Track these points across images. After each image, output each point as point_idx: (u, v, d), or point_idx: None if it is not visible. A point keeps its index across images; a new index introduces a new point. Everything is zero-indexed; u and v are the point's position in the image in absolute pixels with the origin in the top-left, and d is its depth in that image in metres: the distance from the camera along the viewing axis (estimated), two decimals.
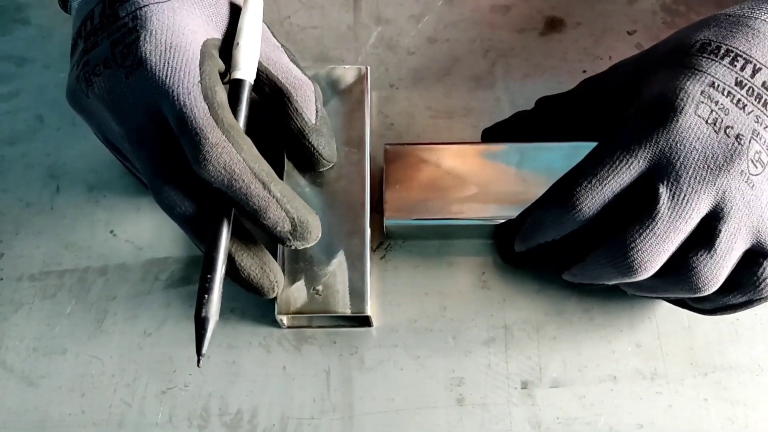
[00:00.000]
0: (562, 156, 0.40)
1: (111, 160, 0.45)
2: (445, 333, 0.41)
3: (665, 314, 0.41)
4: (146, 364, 0.41)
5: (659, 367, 0.40)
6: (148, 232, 0.44)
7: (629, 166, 0.33)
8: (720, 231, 0.32)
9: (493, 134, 0.43)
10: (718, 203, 0.32)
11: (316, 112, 0.39)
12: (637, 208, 0.33)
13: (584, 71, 0.48)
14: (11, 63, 0.49)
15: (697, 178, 0.32)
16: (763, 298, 0.34)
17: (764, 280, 0.33)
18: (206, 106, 0.34)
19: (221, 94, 0.35)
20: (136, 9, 0.35)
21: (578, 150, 0.37)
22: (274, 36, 0.40)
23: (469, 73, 0.48)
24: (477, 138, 0.45)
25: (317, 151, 0.40)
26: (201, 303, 0.33)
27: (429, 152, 0.41)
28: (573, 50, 0.49)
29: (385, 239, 0.43)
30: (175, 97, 0.34)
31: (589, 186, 0.33)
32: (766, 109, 0.33)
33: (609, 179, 0.33)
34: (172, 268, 0.43)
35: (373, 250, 0.43)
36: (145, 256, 0.43)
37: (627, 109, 0.36)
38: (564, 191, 0.34)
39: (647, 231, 0.32)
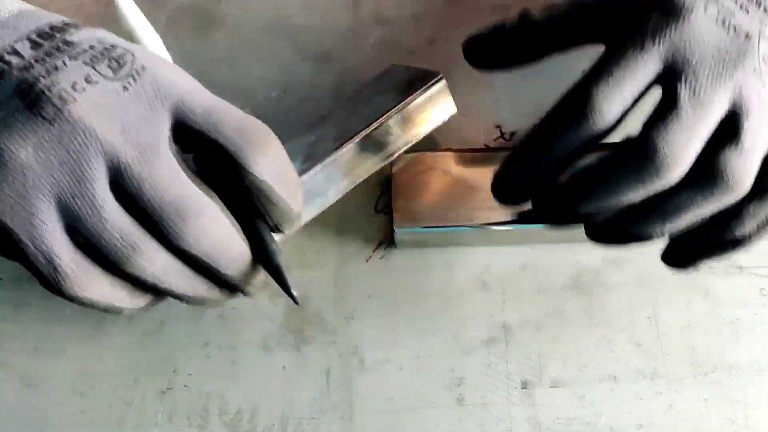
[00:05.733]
0: None
1: None
2: (445, 333, 0.41)
3: (665, 314, 0.41)
4: (146, 364, 0.41)
5: (659, 367, 0.40)
6: None
7: (645, 65, 0.32)
8: (743, 125, 0.32)
9: (476, 46, 0.41)
10: (736, 100, 0.32)
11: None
12: (658, 109, 0.32)
13: (583, 70, 0.48)
14: None
15: (714, 73, 0.32)
16: None
17: None
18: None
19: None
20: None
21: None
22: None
23: (469, 73, 0.48)
24: (476, 139, 0.45)
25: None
26: (270, 252, 0.32)
27: (436, 159, 0.41)
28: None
29: (384, 239, 0.43)
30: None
31: (606, 88, 0.32)
32: (766, 14, 0.34)
33: (626, 79, 0.32)
34: None
35: (372, 250, 0.43)
36: None
37: (629, 14, 0.35)
38: (580, 96, 0.33)
39: (673, 123, 0.31)
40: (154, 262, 0.30)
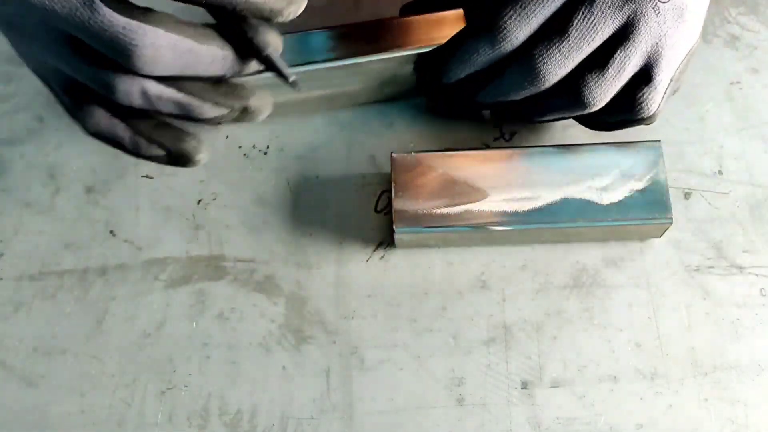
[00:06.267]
0: (569, 159, 0.41)
1: (111, 161, 0.45)
2: (445, 333, 0.41)
3: (665, 314, 0.41)
4: (146, 364, 0.41)
5: (659, 367, 0.40)
6: (147, 232, 0.44)
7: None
8: (616, 54, 0.36)
9: (408, 10, 0.44)
10: (622, 27, 0.36)
11: None
12: (548, 28, 0.36)
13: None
14: (11, 63, 0.49)
15: (609, 2, 0.36)
16: (637, 120, 0.39)
17: (641, 104, 0.38)
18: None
19: None
20: None
21: (587, 153, 0.40)
22: None
23: None
24: (477, 138, 0.45)
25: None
26: (258, 45, 0.33)
27: (436, 159, 0.41)
28: None
29: (384, 239, 0.43)
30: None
31: (516, 16, 0.36)
32: None
33: (535, 9, 0.36)
34: (171, 268, 0.43)
35: (372, 250, 0.43)
36: (145, 256, 0.43)
37: None
38: (491, 20, 0.37)
39: (555, 49, 0.36)
40: (133, 90, 0.33)
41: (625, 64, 0.37)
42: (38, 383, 0.40)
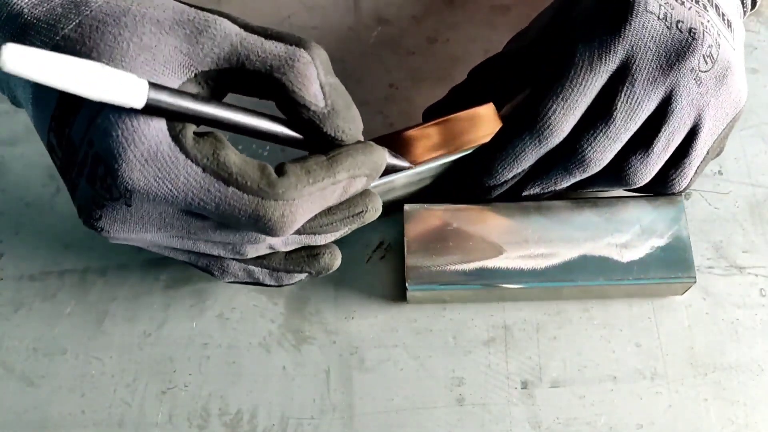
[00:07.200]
0: (587, 214, 0.40)
1: None
2: (445, 333, 0.41)
3: (665, 314, 0.41)
4: (146, 364, 0.41)
5: (659, 367, 0.40)
6: None
7: (594, 83, 0.35)
8: (660, 134, 0.35)
9: (433, 113, 0.42)
10: (664, 101, 0.35)
11: (322, 88, 0.31)
12: (596, 112, 0.35)
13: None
14: None
15: (650, 79, 0.34)
16: (671, 193, 0.39)
17: (672, 182, 0.38)
18: (230, 188, 0.29)
19: (227, 155, 0.29)
20: (88, 130, 0.28)
21: (605, 207, 0.39)
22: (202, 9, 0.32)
23: None
24: None
25: (338, 139, 0.32)
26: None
27: (449, 214, 0.40)
28: None
29: (384, 239, 0.43)
30: (192, 202, 0.29)
31: (560, 110, 0.35)
32: (698, 5, 0.35)
33: (577, 99, 0.35)
34: (172, 269, 0.43)
35: (372, 250, 0.43)
36: (145, 257, 0.43)
37: (558, 46, 0.36)
38: (534, 118, 0.35)
39: (602, 134, 0.35)
40: (260, 248, 0.34)
41: (669, 142, 0.35)
42: (38, 383, 0.40)
